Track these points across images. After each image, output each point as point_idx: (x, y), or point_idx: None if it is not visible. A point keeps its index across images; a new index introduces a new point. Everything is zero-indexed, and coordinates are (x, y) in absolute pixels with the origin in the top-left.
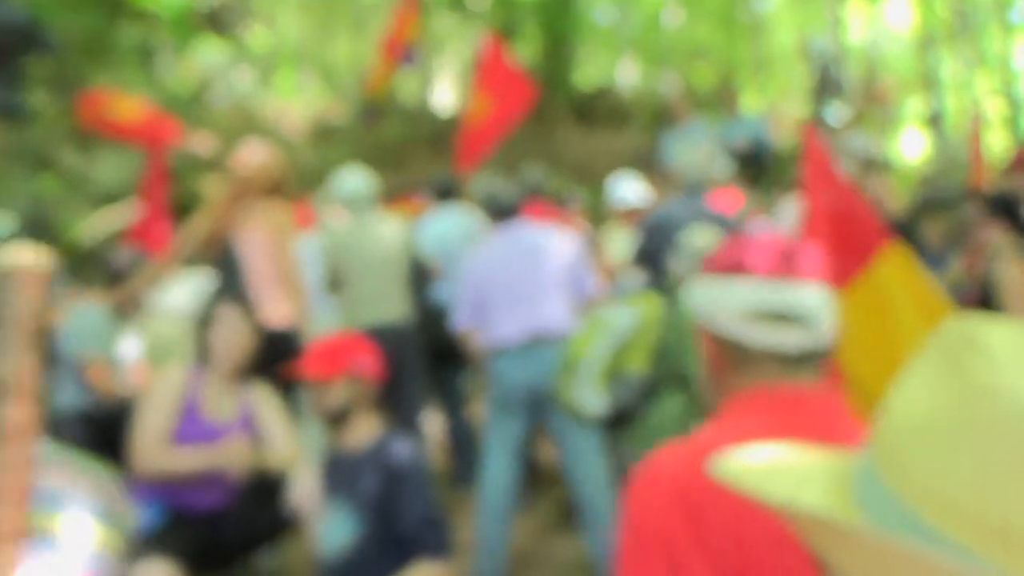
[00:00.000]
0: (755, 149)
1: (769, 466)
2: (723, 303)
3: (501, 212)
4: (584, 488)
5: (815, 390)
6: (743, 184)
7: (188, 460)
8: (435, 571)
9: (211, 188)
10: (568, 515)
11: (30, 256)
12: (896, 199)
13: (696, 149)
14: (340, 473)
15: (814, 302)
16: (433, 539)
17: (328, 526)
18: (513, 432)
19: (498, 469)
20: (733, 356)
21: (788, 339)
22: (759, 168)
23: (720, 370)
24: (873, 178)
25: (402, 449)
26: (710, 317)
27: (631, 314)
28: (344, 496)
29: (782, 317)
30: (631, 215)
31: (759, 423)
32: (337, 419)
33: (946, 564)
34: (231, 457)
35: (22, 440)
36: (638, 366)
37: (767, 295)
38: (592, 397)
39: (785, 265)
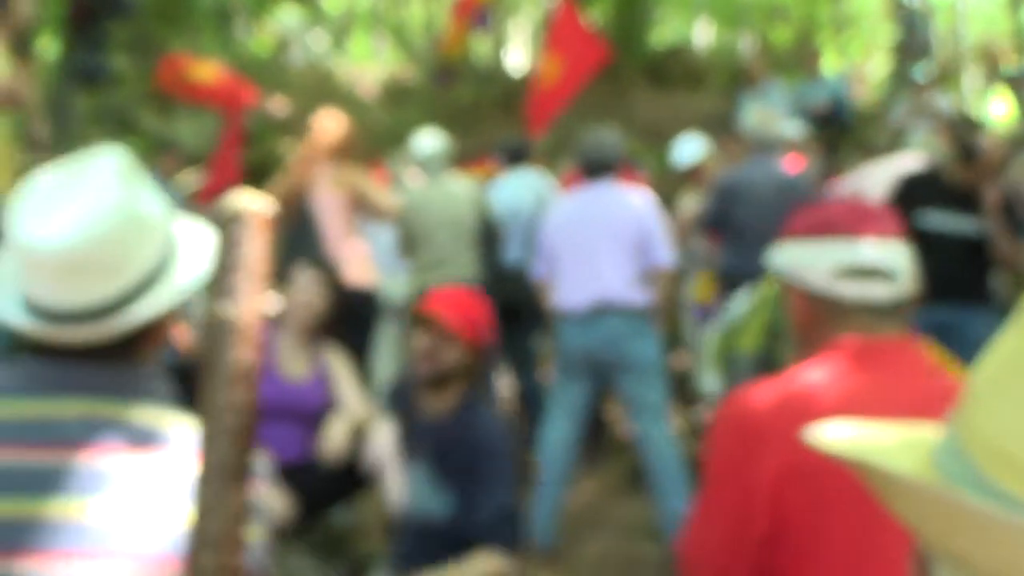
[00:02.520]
0: (835, 111)
1: (861, 430)
2: (815, 262)
3: (590, 168)
4: (652, 451)
5: (901, 339)
6: (822, 147)
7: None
8: (499, 566)
9: (287, 151)
10: (635, 479)
11: (257, 201)
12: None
13: (765, 109)
14: (423, 438)
15: (898, 257)
16: (505, 531)
17: (408, 488)
18: (575, 396)
19: (558, 432)
20: (826, 311)
21: (878, 292)
22: (839, 130)
23: (812, 325)
24: (979, 137)
25: (491, 425)
26: (801, 276)
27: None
28: (425, 462)
29: (873, 272)
30: (693, 175)
31: (849, 367)
32: (439, 381)
33: (1005, 519)
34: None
35: (248, 385)
36: (751, 346)
37: (858, 252)
38: (709, 378)
39: (870, 224)
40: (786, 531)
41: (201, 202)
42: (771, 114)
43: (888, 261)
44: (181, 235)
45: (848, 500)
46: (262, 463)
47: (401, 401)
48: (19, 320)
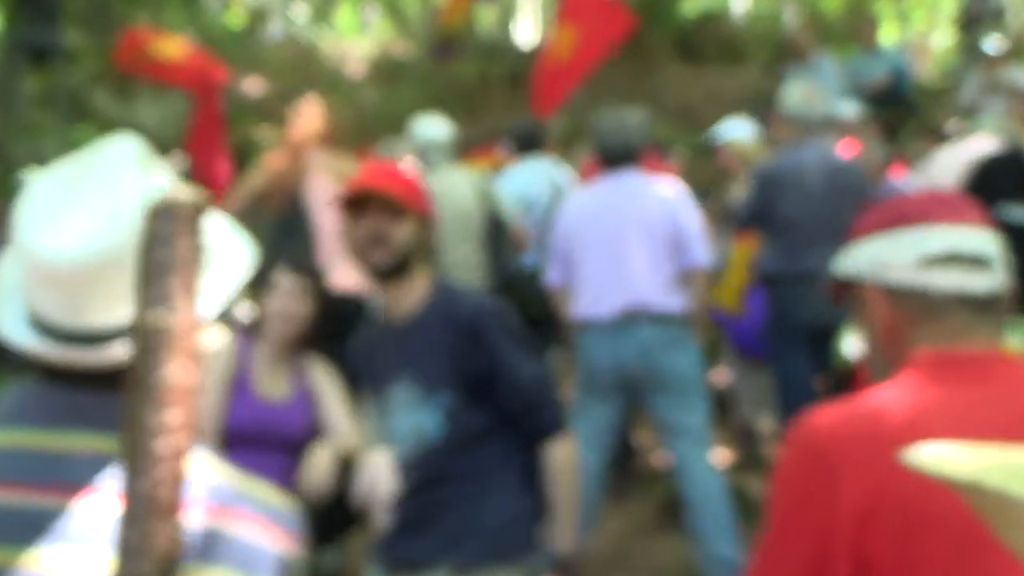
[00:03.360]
0: (895, 87)
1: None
2: (897, 255)
3: (610, 156)
4: (691, 484)
5: (995, 348)
6: (880, 129)
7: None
8: (570, 452)
9: (264, 139)
10: (670, 515)
11: (188, 190)
12: None
13: (810, 86)
14: (398, 348)
15: (991, 246)
16: (549, 408)
17: (393, 422)
18: (600, 420)
19: (583, 459)
20: (915, 310)
21: (976, 282)
22: (900, 110)
23: (897, 331)
24: None
25: (477, 299)
26: (881, 274)
27: None
28: (406, 378)
29: (965, 258)
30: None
31: (937, 382)
32: (396, 272)
33: None
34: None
35: (184, 405)
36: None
37: (947, 237)
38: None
39: (954, 210)
40: (870, 573)
41: None
42: (819, 91)
43: (981, 246)
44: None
45: (945, 532)
46: (291, 510)
47: (362, 345)
48: (24, 339)
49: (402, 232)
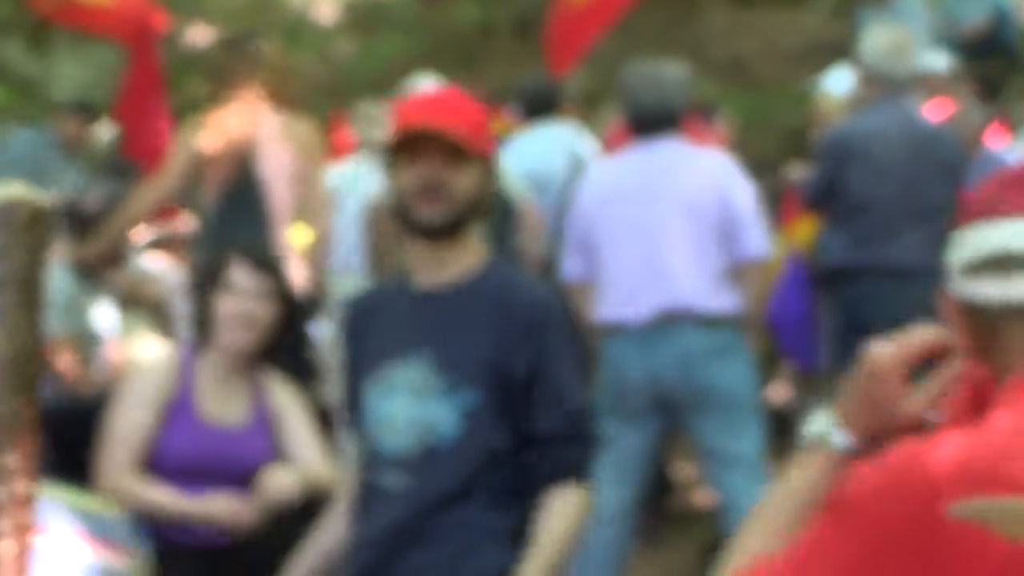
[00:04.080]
0: (997, 35)
1: None
2: (953, 257)
3: (643, 120)
4: (741, 519)
5: None
6: (978, 86)
7: (162, 501)
8: (582, 509)
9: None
10: (714, 562)
11: (24, 190)
12: None
13: (897, 33)
14: (421, 320)
15: None
16: (580, 447)
17: (389, 409)
18: (630, 448)
19: (605, 498)
20: (978, 327)
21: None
22: (1003, 63)
23: (978, 352)
24: None
25: (535, 291)
26: (947, 281)
27: None
28: (427, 357)
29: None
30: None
31: None
32: (450, 230)
33: None
34: (223, 516)
35: (24, 443)
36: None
37: (1003, 235)
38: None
39: None
40: None
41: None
42: (908, 39)
43: None
44: None
45: None
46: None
47: (362, 306)
48: None
49: (464, 181)
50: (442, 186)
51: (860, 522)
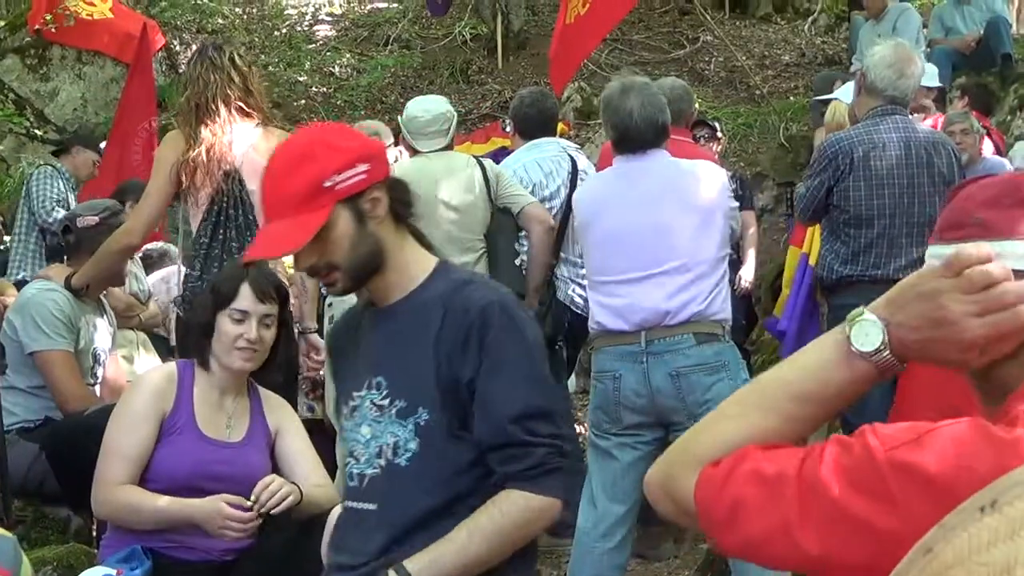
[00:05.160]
0: (990, 45)
1: None
2: None
3: (626, 140)
4: None
5: None
6: (972, 99)
7: (155, 508)
8: (520, 510)
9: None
10: (711, 573)
11: None
12: None
13: (902, 49)
14: (374, 341)
15: None
16: (535, 456)
17: (359, 436)
18: (626, 462)
19: (599, 519)
20: None
21: None
22: (998, 75)
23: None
24: None
25: (486, 292)
26: None
27: None
28: (381, 379)
29: None
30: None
31: None
32: (360, 284)
33: None
34: (217, 523)
35: None
36: None
37: None
38: None
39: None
40: None
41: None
42: (910, 55)
43: None
44: None
45: None
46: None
47: (341, 331)
48: None
49: (338, 249)
50: (319, 270)
51: (909, 502)
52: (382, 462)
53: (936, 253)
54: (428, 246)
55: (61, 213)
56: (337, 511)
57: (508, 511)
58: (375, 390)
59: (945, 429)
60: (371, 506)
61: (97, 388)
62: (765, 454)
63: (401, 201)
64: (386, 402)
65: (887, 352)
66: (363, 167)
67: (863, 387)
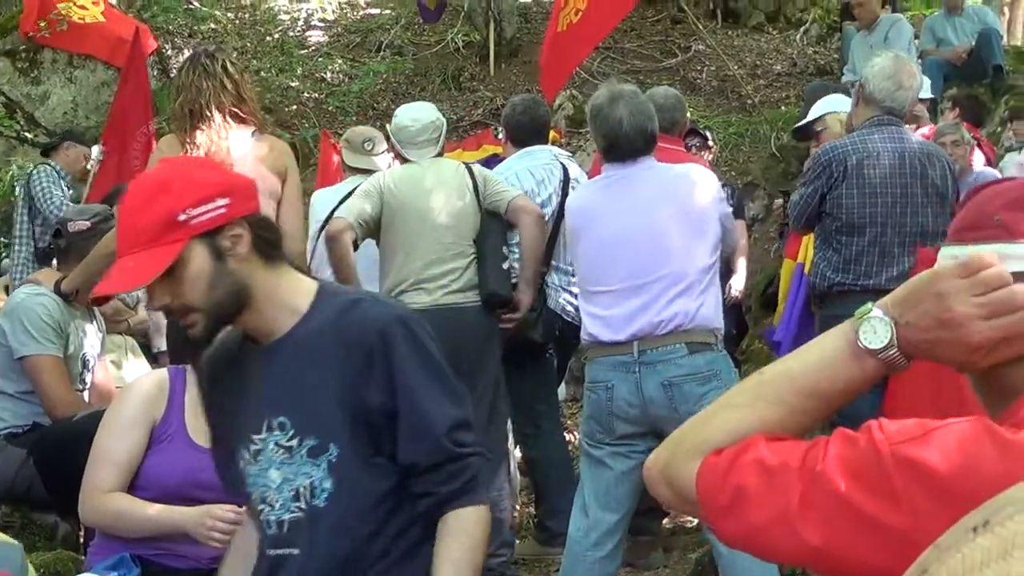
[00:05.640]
0: (981, 57)
1: None
2: None
3: (616, 148)
4: (736, 556)
5: None
6: (964, 110)
7: (144, 516)
8: (474, 525)
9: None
10: None
11: None
12: None
13: (901, 61)
14: (265, 378)
15: None
16: (456, 470)
17: (268, 481)
18: (618, 470)
19: (591, 527)
20: None
21: None
22: (989, 86)
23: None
24: None
25: (379, 309)
26: None
27: None
28: (282, 419)
29: None
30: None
31: None
32: (221, 326)
33: None
34: (206, 526)
35: None
36: None
37: None
38: None
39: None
40: None
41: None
42: (909, 67)
43: None
44: None
45: None
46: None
47: (216, 363)
48: None
49: (192, 289)
50: (174, 311)
51: (915, 500)
52: (301, 505)
53: (952, 253)
54: (304, 271)
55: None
56: (238, 561)
57: (473, 533)
58: (278, 431)
59: (952, 427)
60: (294, 551)
61: (86, 394)
62: (769, 444)
63: (265, 239)
64: (294, 442)
65: (895, 350)
66: (222, 201)
67: (869, 383)
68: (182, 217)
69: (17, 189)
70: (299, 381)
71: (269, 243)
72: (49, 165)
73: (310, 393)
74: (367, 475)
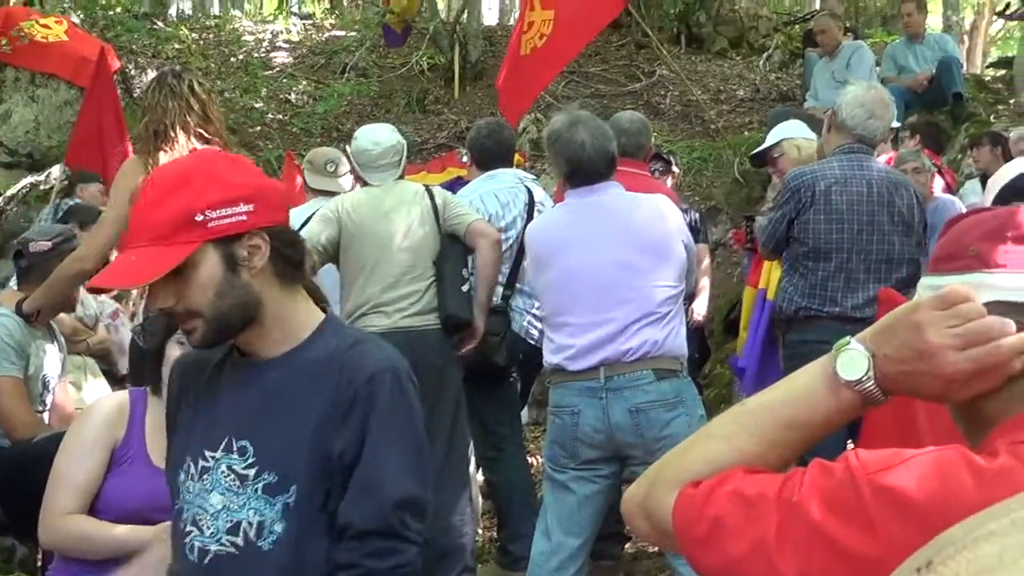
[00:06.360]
0: (941, 84)
1: None
2: None
3: (579, 172)
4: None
5: None
6: (924, 135)
7: (104, 536)
8: None
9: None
10: None
11: None
12: None
13: (875, 90)
14: (241, 398)
15: None
16: (388, 546)
17: (206, 502)
18: (581, 496)
19: (553, 551)
20: None
21: None
22: (947, 112)
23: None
24: None
25: (379, 357)
26: None
27: None
28: (245, 444)
29: None
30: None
31: None
32: (223, 339)
33: None
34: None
35: None
36: None
37: None
38: None
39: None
40: None
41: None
42: (884, 98)
43: None
44: None
45: None
46: None
47: (188, 370)
48: None
49: (199, 292)
50: (177, 315)
51: (884, 538)
52: (238, 541)
53: (930, 284)
54: (318, 299)
55: None
56: None
57: None
58: (236, 455)
59: (928, 455)
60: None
61: (46, 415)
62: (747, 476)
63: (286, 256)
64: (250, 472)
65: (871, 383)
66: (246, 207)
67: (849, 416)
68: (199, 217)
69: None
70: (278, 411)
71: (289, 261)
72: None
73: (286, 426)
74: (315, 526)
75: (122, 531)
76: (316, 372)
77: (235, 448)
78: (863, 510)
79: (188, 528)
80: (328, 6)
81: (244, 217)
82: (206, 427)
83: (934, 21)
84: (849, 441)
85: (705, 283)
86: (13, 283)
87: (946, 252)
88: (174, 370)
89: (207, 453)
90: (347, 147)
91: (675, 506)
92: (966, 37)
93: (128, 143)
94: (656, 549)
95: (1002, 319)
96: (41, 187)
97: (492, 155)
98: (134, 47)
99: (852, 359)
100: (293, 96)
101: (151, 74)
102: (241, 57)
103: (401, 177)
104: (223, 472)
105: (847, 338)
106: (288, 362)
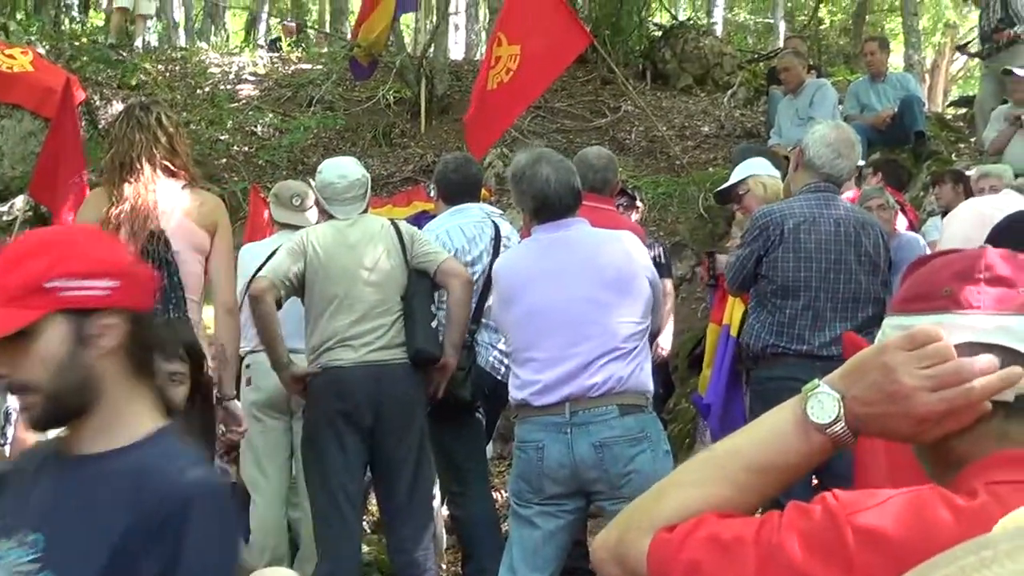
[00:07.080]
0: (904, 123)
1: None
2: None
3: (545, 207)
4: None
5: None
6: (886, 172)
7: None
8: None
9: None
10: None
11: None
12: None
13: (840, 130)
14: (44, 491)
15: None
16: None
17: None
18: (545, 531)
19: None
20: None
21: None
22: (911, 149)
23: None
24: None
25: (192, 477)
26: None
27: None
28: (34, 543)
29: None
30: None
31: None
32: (58, 420)
33: None
34: None
35: None
36: None
37: None
38: None
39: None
40: None
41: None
42: (850, 138)
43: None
44: None
45: None
46: None
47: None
48: None
49: (37, 364)
50: (12, 387)
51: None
52: None
53: (898, 324)
54: (163, 406)
55: None
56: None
57: None
58: (24, 548)
59: (906, 495)
60: None
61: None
62: (721, 521)
63: (141, 343)
64: (32, 568)
65: (841, 425)
66: (106, 283)
67: (819, 459)
68: (48, 285)
69: None
70: (81, 510)
71: (145, 349)
72: None
73: (85, 529)
74: None
75: None
76: (132, 481)
77: (27, 541)
78: (842, 550)
79: None
80: (295, 39)
81: (104, 292)
82: (11, 513)
83: (896, 60)
84: (814, 478)
85: (669, 318)
86: None
87: (916, 292)
88: (21, 455)
89: (1, 540)
90: (311, 180)
91: (650, 551)
92: (927, 76)
93: (85, 174)
94: None
95: (972, 359)
96: (4, 218)
97: (459, 190)
98: (100, 78)
99: (822, 402)
100: (259, 128)
101: (117, 105)
102: (207, 89)
103: (366, 211)
104: (11, 563)
105: (816, 381)
106: (105, 462)
